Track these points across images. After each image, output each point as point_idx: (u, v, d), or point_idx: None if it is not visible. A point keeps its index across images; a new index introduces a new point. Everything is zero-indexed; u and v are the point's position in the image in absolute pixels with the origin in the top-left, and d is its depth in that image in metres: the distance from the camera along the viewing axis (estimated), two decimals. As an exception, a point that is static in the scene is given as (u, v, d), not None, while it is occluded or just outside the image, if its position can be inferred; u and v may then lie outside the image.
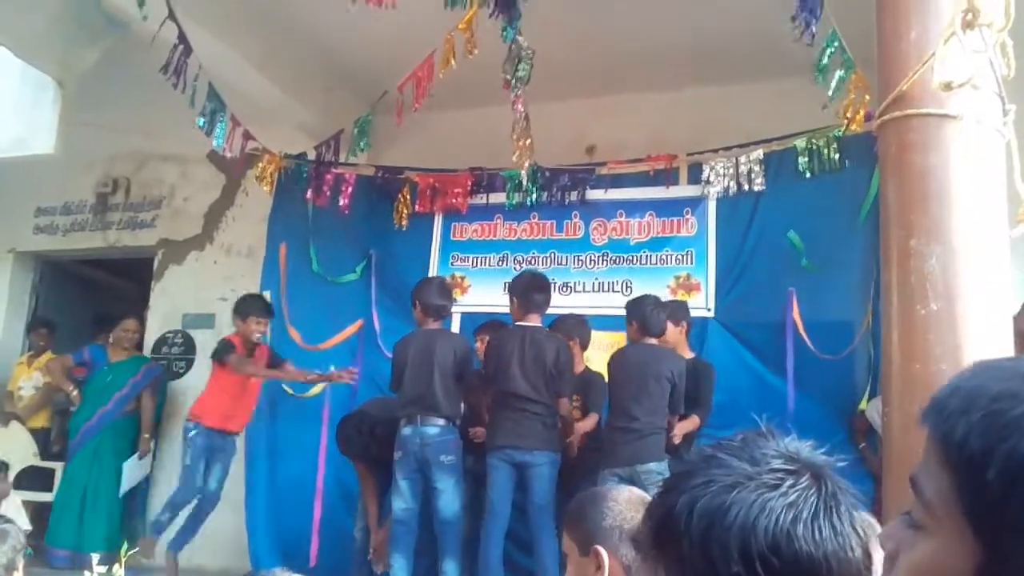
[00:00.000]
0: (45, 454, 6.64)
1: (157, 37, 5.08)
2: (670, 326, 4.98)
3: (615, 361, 4.89)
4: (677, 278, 5.71)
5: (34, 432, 6.67)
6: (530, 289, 4.95)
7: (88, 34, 6.83)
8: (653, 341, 4.83)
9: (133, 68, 6.15)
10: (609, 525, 1.85)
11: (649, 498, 1.82)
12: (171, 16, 5.00)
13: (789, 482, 0.95)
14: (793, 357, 5.27)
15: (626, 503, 1.89)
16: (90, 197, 7.77)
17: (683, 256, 5.74)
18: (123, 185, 7.70)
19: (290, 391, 5.98)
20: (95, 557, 2.90)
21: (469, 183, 6.18)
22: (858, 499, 1.00)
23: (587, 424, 4.98)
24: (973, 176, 2.61)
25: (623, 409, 4.68)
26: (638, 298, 5.00)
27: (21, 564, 2.49)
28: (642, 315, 4.82)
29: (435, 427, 4.75)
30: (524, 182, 5.94)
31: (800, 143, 5.38)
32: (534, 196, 6.01)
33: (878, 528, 1.92)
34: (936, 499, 0.73)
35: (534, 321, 4.90)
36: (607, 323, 5.66)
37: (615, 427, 4.71)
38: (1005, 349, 2.59)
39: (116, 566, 2.84)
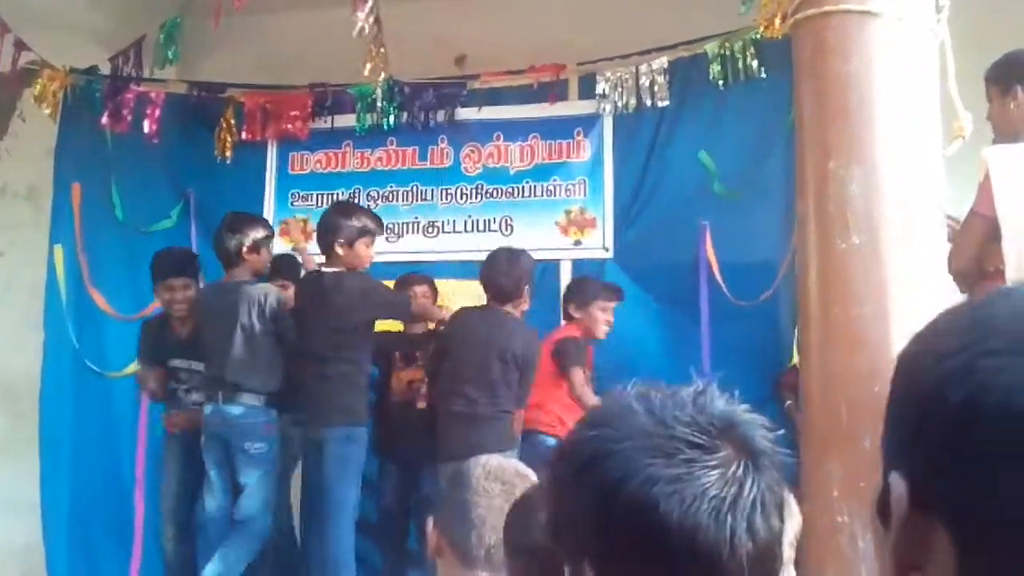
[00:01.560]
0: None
1: None
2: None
3: (449, 327, 5.00)
4: (568, 213, 5.79)
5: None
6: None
7: None
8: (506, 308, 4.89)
9: None
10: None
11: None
12: None
13: (686, 455, 0.98)
14: (708, 303, 5.44)
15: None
16: None
17: (574, 186, 5.82)
18: None
19: (96, 369, 5.83)
20: None
21: (309, 103, 6.09)
22: (782, 497, 1.04)
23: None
24: (901, 85, 2.73)
25: (457, 390, 4.75)
26: (492, 252, 5.08)
27: None
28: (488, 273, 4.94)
29: (240, 406, 4.75)
30: (378, 100, 5.91)
31: (712, 48, 5.46)
32: (391, 117, 5.96)
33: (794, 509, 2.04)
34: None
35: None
36: (471, 270, 5.72)
37: (449, 411, 4.79)
38: (936, 289, 2.73)
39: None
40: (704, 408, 1.02)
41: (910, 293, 2.63)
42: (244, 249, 4.92)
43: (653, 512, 0.95)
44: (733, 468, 0.99)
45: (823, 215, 2.68)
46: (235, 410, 4.73)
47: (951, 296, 2.83)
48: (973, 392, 0.69)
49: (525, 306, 4.94)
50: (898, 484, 0.74)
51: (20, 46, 5.61)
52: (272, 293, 4.92)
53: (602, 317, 5.13)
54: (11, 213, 6.69)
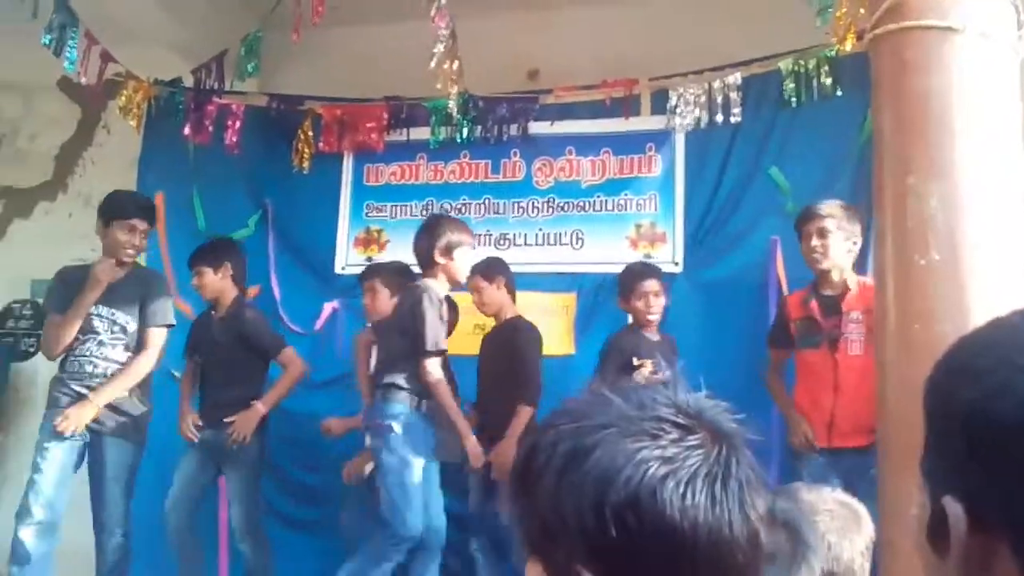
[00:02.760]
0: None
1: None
2: (478, 280, 5.16)
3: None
4: (638, 227, 5.77)
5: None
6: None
7: None
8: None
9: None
10: None
11: None
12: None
13: (672, 435, 0.97)
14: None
15: None
16: None
17: (645, 201, 5.79)
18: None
19: (177, 374, 5.86)
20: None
21: (385, 115, 6.13)
22: (762, 478, 1.03)
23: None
24: (982, 100, 2.67)
25: None
26: None
27: None
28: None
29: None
30: (452, 114, 5.92)
31: (785, 64, 5.41)
32: (465, 131, 5.99)
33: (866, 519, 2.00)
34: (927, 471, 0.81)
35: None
36: (554, 283, 5.72)
37: None
38: (1018, 306, 2.66)
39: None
40: (678, 395, 1.02)
41: (991, 311, 2.52)
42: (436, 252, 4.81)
43: (651, 499, 0.94)
44: (714, 449, 0.98)
45: (902, 231, 2.62)
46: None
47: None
48: (1017, 407, 0.70)
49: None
50: (953, 507, 0.73)
51: (106, 58, 5.69)
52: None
53: (641, 306, 5.06)
54: (94, 221, 6.82)
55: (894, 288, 2.67)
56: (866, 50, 4.40)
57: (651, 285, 5.07)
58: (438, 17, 4.90)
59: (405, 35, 5.46)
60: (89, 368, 4.86)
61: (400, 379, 4.61)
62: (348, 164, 6.28)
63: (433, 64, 5.10)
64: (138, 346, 4.99)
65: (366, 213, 6.24)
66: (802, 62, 5.38)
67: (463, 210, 5.97)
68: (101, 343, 4.90)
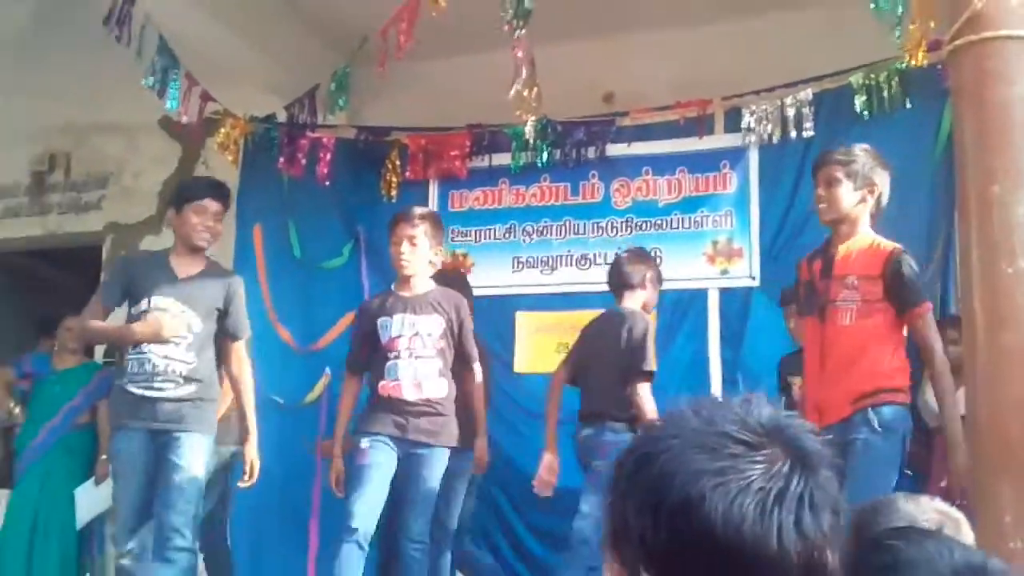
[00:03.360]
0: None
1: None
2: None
3: None
4: (715, 243, 5.69)
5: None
6: None
7: (14, -14, 6.84)
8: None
9: (69, 23, 6.15)
10: None
11: None
12: (110, -41, 4.99)
13: (734, 449, 0.98)
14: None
15: None
16: (24, 177, 7.77)
17: (721, 217, 5.71)
18: (62, 162, 7.71)
19: (280, 400, 5.92)
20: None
21: (467, 143, 6.15)
22: (836, 499, 1.00)
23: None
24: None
25: None
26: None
27: None
28: None
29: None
30: (532, 139, 5.92)
31: (856, 79, 5.31)
32: (544, 155, 5.98)
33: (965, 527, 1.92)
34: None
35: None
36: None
37: None
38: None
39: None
40: (751, 412, 1.03)
41: None
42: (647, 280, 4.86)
43: (700, 505, 0.95)
44: (779, 465, 0.98)
45: (987, 240, 2.55)
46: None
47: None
48: None
49: None
50: None
51: (205, 97, 5.79)
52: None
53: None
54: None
55: (980, 297, 2.59)
56: (939, 62, 4.36)
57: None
58: (517, 47, 4.89)
59: (484, 65, 5.46)
60: (150, 368, 4.27)
61: (614, 408, 4.56)
62: (433, 191, 6.28)
63: (512, 92, 5.10)
64: (221, 354, 4.54)
65: (451, 238, 6.23)
66: (873, 75, 5.29)
67: (544, 232, 5.95)
68: (165, 341, 4.31)
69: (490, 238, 6.17)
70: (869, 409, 3.53)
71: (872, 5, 4.34)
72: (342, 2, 6.08)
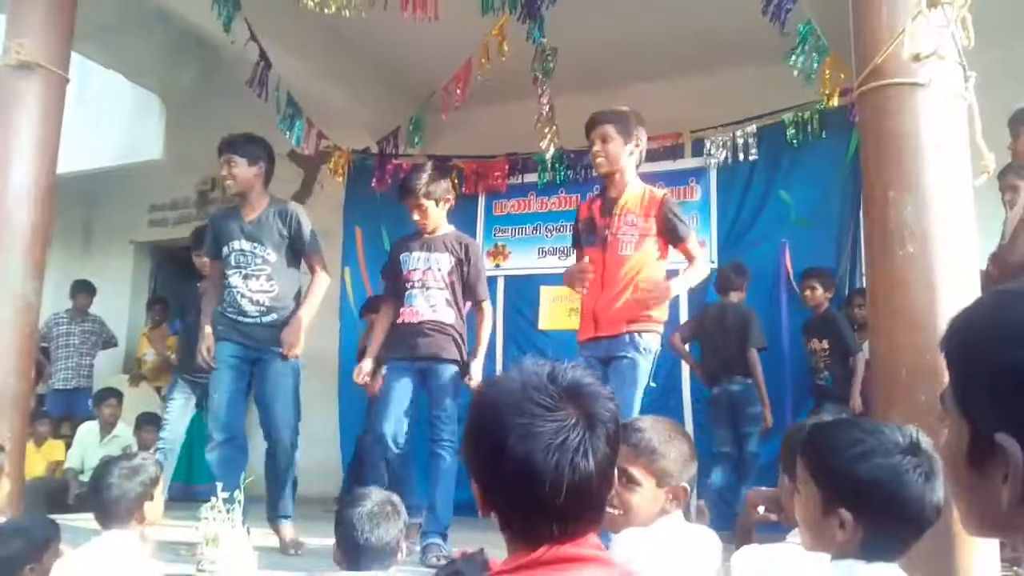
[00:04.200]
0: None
1: (243, 57, 5.11)
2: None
3: None
4: (685, 238, 5.65)
5: (158, 390, 6.79)
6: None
7: (184, 56, 6.90)
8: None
9: (224, 83, 6.20)
10: None
11: None
12: (253, 38, 5.02)
13: (534, 410, 0.99)
14: (786, 301, 5.22)
15: None
16: (192, 194, 7.85)
17: (690, 218, 5.56)
18: (219, 183, 7.72)
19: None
20: (219, 485, 2.92)
21: (506, 167, 6.18)
22: (602, 440, 1.01)
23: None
24: (941, 135, 2.57)
25: None
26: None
27: (158, 493, 2.47)
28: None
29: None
30: (552, 163, 5.92)
31: (787, 117, 5.30)
32: (561, 175, 5.99)
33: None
34: (947, 400, 0.77)
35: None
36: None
37: None
38: (972, 283, 2.54)
39: (238, 492, 2.88)
40: (556, 378, 1.02)
41: (952, 286, 2.46)
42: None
43: (503, 450, 0.98)
44: (569, 422, 0.99)
45: (884, 231, 2.52)
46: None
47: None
48: None
49: None
50: (1010, 442, 0.68)
51: (320, 136, 5.83)
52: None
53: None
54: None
55: (879, 273, 2.57)
56: (848, 103, 4.31)
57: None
58: (542, 97, 4.89)
59: (517, 110, 5.45)
60: (237, 299, 3.78)
61: (738, 369, 4.88)
62: (481, 201, 6.30)
63: (537, 127, 5.12)
64: (290, 266, 3.89)
65: (494, 234, 6.26)
66: (799, 114, 5.27)
67: (561, 229, 5.92)
68: (246, 276, 3.78)
69: (522, 234, 6.18)
70: (636, 334, 3.24)
71: (788, 60, 4.31)
72: (416, 67, 6.07)
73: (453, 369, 3.72)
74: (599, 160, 3.47)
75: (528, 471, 0.97)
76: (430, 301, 3.76)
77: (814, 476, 1.37)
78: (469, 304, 3.96)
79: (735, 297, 5.05)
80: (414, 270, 3.82)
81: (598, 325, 3.35)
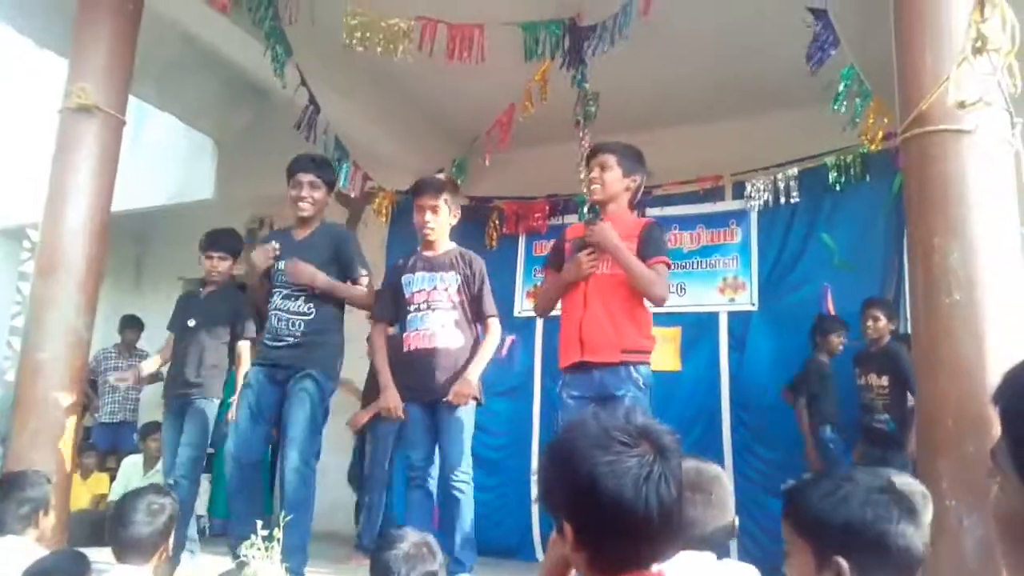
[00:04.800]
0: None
1: (293, 101, 5.23)
2: None
3: None
4: (725, 279, 5.60)
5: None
6: None
7: (237, 100, 7.08)
8: None
9: (274, 127, 6.34)
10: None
11: None
12: (303, 83, 5.15)
13: (616, 447, 1.11)
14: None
15: None
16: (242, 232, 7.99)
17: (730, 260, 5.61)
18: (268, 222, 7.88)
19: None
20: (258, 523, 2.92)
21: (547, 208, 6.18)
22: (676, 472, 1.14)
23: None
24: (987, 181, 2.53)
25: None
26: None
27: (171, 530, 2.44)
28: None
29: None
30: (592, 205, 5.87)
31: (830, 160, 5.23)
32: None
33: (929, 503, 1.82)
34: (999, 456, 0.74)
35: None
36: (666, 320, 5.57)
37: None
38: (1021, 331, 2.47)
39: (276, 530, 2.87)
40: (630, 419, 1.15)
41: (999, 334, 2.40)
42: None
43: (595, 483, 1.09)
44: (647, 456, 1.11)
45: (930, 279, 2.47)
46: None
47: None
48: None
49: None
50: None
51: (365, 177, 5.92)
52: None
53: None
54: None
55: (925, 321, 2.51)
56: (890, 147, 4.26)
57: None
58: (583, 139, 4.91)
59: (557, 153, 5.47)
60: (275, 322, 3.65)
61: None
62: (522, 242, 6.29)
63: (578, 170, 5.12)
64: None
65: (534, 274, 6.25)
66: (842, 158, 5.20)
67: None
68: (286, 296, 3.67)
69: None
70: (632, 366, 3.15)
71: (833, 106, 4.28)
72: (459, 112, 6.15)
73: (466, 406, 3.49)
74: (594, 187, 3.47)
75: (622, 504, 1.07)
76: (438, 323, 3.55)
77: (800, 533, 1.37)
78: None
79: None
80: (419, 291, 3.63)
81: (585, 347, 3.22)
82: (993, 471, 0.81)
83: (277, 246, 3.80)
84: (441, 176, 3.79)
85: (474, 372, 3.53)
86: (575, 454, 1.11)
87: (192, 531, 4.38)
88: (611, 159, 3.44)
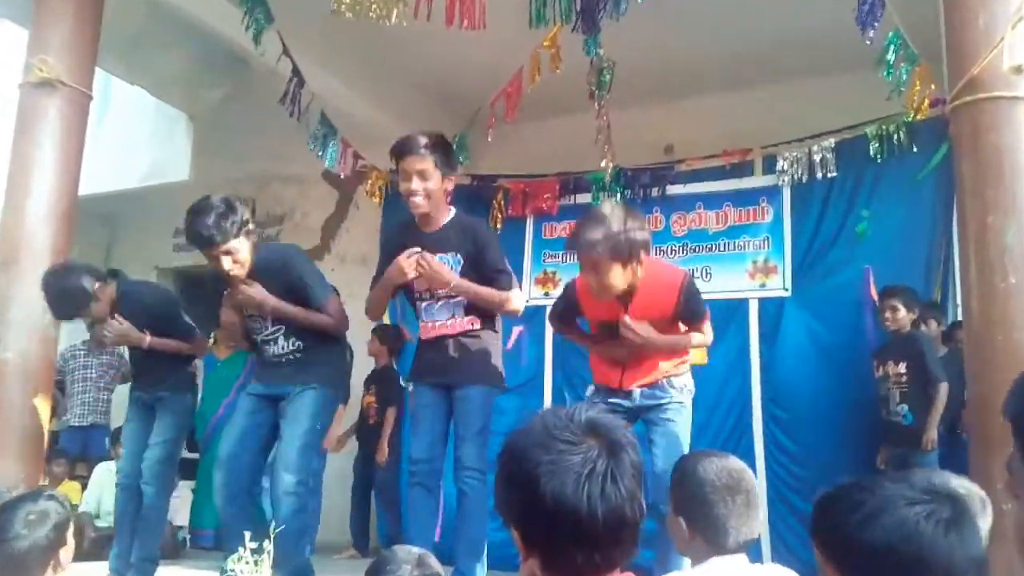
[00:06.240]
0: (192, 446, 6.81)
1: (275, 73, 5.23)
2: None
3: None
4: (755, 262, 5.59)
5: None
6: None
7: (213, 72, 7.09)
8: None
9: (254, 101, 6.34)
10: None
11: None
12: (285, 52, 5.13)
13: (559, 446, 1.14)
14: (874, 334, 5.10)
15: None
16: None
17: (760, 242, 5.60)
18: (249, 205, 7.77)
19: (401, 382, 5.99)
20: (247, 534, 2.95)
21: (557, 187, 6.16)
22: (626, 467, 1.15)
23: None
24: (1046, 152, 2.51)
25: None
26: None
27: (69, 540, 2.26)
28: None
29: None
30: (608, 183, 5.90)
31: (871, 130, 5.20)
32: (617, 195, 5.94)
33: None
34: (1015, 468, 0.75)
35: None
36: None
37: None
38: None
39: (266, 541, 2.90)
40: (574, 417, 1.18)
41: None
42: None
43: (536, 484, 1.12)
44: (592, 453, 1.13)
45: (983, 260, 2.47)
46: None
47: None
48: None
49: None
50: None
51: (356, 156, 5.92)
52: None
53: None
54: (350, 273, 7.02)
55: (979, 306, 2.51)
56: (938, 116, 4.25)
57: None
58: (600, 111, 4.90)
59: (569, 126, 5.49)
60: (270, 348, 3.58)
61: None
62: (530, 224, 6.29)
63: (598, 143, 5.12)
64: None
65: (544, 259, 6.26)
66: (884, 127, 5.17)
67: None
68: (264, 342, 3.59)
69: (574, 260, 6.11)
70: (669, 378, 3.25)
71: (884, 73, 4.26)
72: (459, 83, 6.16)
73: (483, 390, 3.36)
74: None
75: (563, 504, 1.10)
76: (447, 313, 3.39)
77: (827, 557, 1.24)
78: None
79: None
80: (419, 277, 3.38)
81: (625, 377, 3.25)
82: (1010, 484, 0.82)
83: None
84: (428, 135, 3.38)
85: (460, 281, 3.31)
86: (518, 457, 1.16)
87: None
88: (602, 259, 3.03)
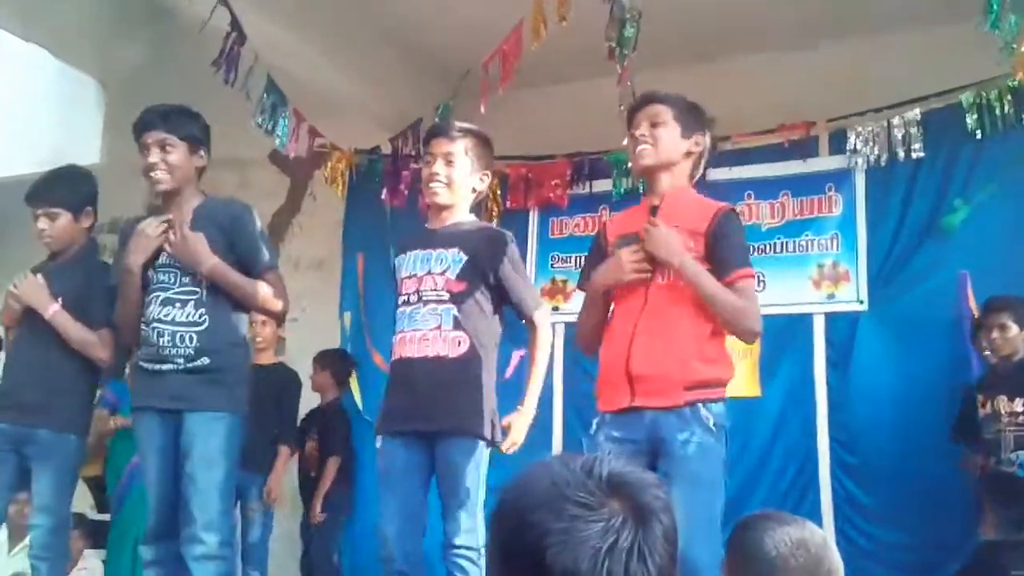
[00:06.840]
0: (102, 505, 6.73)
1: (206, 25, 5.16)
2: None
3: None
4: (820, 267, 5.55)
5: (88, 481, 6.76)
6: None
7: (130, 26, 7.05)
8: None
9: (181, 62, 6.31)
10: None
11: None
12: (222, 1, 5.08)
13: (572, 511, 1.10)
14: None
15: None
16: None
17: (827, 241, 5.57)
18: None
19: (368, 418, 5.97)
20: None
21: (568, 171, 6.14)
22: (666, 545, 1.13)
23: None
24: None
25: None
26: None
27: None
28: None
29: None
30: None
31: (967, 98, 5.16)
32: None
33: None
34: None
35: None
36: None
37: None
38: None
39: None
40: (594, 472, 1.14)
41: None
42: None
43: (543, 561, 1.07)
44: (615, 520, 1.09)
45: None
46: None
47: None
48: None
49: None
50: None
51: (312, 133, 5.89)
52: None
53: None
54: (304, 283, 6.95)
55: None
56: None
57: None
58: (623, 74, 4.85)
59: (582, 93, 5.45)
60: (155, 338, 3.39)
61: None
62: (534, 219, 6.29)
63: (620, 112, 5.06)
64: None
65: (552, 264, 6.23)
66: (984, 94, 5.14)
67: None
68: (166, 302, 3.43)
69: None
70: (700, 404, 3.00)
71: (988, 26, 4.21)
72: (444, 37, 6.12)
73: (472, 443, 3.28)
74: (643, 148, 3.30)
75: None
76: (430, 321, 3.30)
77: None
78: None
79: None
80: (409, 277, 3.40)
81: (636, 388, 3.07)
82: None
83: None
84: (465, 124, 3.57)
85: (531, 402, 3.49)
86: (517, 522, 1.12)
87: None
88: (666, 112, 3.33)
